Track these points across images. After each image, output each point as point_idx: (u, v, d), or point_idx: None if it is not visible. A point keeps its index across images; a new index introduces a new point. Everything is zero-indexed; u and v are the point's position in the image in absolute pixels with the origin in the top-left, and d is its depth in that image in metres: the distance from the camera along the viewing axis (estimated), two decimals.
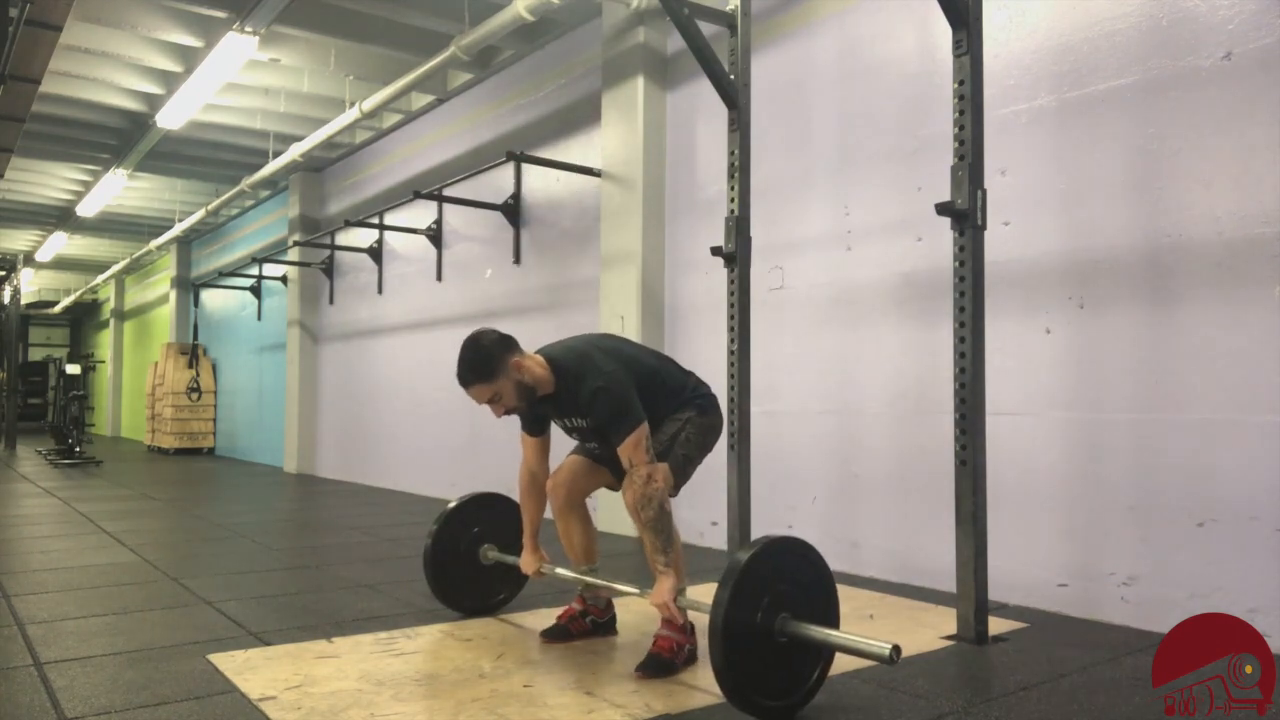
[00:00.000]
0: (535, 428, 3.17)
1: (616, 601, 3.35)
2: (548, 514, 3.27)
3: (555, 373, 2.93)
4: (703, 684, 2.73)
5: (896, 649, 2.29)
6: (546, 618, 3.41)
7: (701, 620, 2.49)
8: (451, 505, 3.62)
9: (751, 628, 2.39)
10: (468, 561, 3.58)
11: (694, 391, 3.10)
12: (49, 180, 11.53)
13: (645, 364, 3.04)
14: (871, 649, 2.32)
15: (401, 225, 8.33)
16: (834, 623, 2.57)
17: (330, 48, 7.14)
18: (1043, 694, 2.65)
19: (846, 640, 2.41)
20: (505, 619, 3.53)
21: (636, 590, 2.97)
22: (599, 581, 3.18)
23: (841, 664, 2.92)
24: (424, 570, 3.56)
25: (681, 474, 2.97)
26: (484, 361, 2.86)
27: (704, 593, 3.04)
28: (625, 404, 2.81)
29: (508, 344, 2.91)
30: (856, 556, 4.38)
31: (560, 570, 3.28)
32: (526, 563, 3.31)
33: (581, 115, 6.39)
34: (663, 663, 2.83)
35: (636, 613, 3.46)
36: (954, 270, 3.28)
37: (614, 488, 3.20)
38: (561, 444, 3.20)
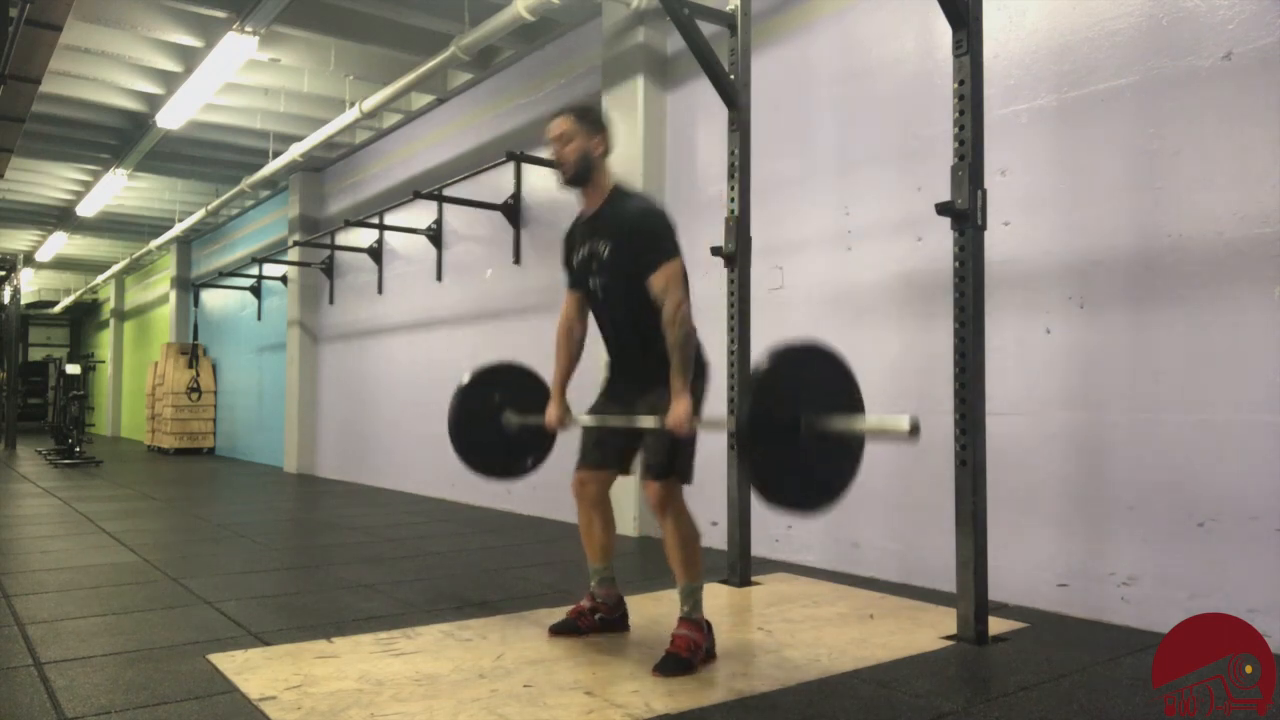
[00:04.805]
0: (576, 278, 3.20)
1: (626, 600, 3.35)
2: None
3: (612, 193, 3.06)
4: (704, 684, 2.73)
5: (915, 421, 2.38)
6: (548, 616, 3.42)
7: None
8: (469, 376, 3.53)
9: (777, 427, 2.43)
10: (492, 428, 3.48)
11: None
12: (49, 180, 11.53)
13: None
14: (889, 425, 2.43)
15: (401, 225, 8.33)
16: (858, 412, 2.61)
17: (330, 48, 7.14)
18: (1043, 694, 2.65)
19: (863, 424, 2.51)
20: (506, 618, 3.53)
21: (655, 420, 2.89)
22: (619, 418, 3.11)
23: (841, 664, 2.93)
24: (450, 439, 3.47)
25: (688, 468, 2.99)
26: (590, 114, 3.08)
27: (711, 592, 3.05)
28: (668, 233, 2.92)
29: (610, 135, 3.09)
30: (856, 556, 4.38)
31: (584, 416, 3.21)
32: (550, 414, 3.26)
33: None
34: (680, 662, 2.83)
35: (641, 614, 3.45)
36: (954, 270, 3.28)
37: (625, 473, 3.20)
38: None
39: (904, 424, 2.36)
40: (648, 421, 2.96)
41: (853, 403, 2.62)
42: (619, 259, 2.97)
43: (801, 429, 2.45)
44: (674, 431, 2.81)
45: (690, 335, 2.84)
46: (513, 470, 3.63)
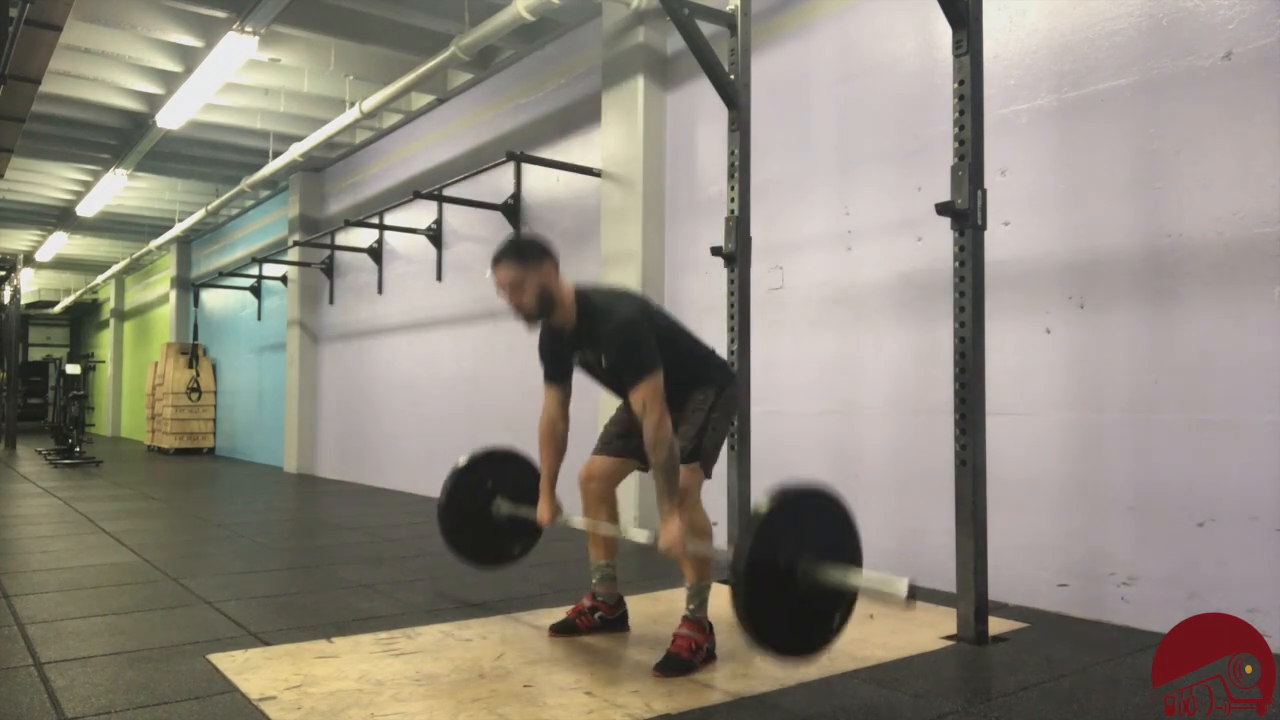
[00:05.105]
0: (556, 371, 3.17)
1: (626, 600, 3.36)
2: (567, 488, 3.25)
3: (580, 305, 2.96)
4: (704, 685, 2.73)
5: (913, 587, 2.33)
6: (548, 616, 3.42)
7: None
8: (463, 461, 3.55)
9: (775, 571, 2.39)
10: (482, 515, 3.52)
11: (713, 363, 3.12)
12: (49, 180, 11.53)
13: (672, 328, 3.07)
14: (888, 588, 2.36)
15: (401, 225, 8.33)
16: (857, 564, 2.57)
17: (330, 48, 7.14)
18: (1043, 694, 2.65)
19: (863, 581, 2.43)
20: (505, 618, 3.53)
21: (646, 534, 2.94)
22: (609, 526, 3.16)
23: (841, 664, 2.93)
24: (439, 524, 3.51)
25: (712, 460, 3.02)
26: (527, 247, 2.92)
27: (711, 592, 3.04)
28: (641, 346, 2.82)
29: (554, 253, 2.95)
30: None
31: (575, 518, 3.24)
32: (542, 511, 3.27)
33: (581, 115, 6.39)
34: (681, 662, 2.84)
35: (641, 614, 3.45)
36: (954, 270, 3.28)
37: (644, 469, 3.20)
38: (580, 396, 3.21)
39: (901, 589, 2.32)
40: (640, 535, 3.00)
41: (852, 555, 2.58)
42: (612, 365, 2.95)
43: (798, 576, 2.42)
44: (666, 552, 2.80)
45: (673, 455, 2.77)
46: (499, 559, 3.63)
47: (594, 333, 2.93)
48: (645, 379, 2.79)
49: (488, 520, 3.54)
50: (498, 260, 2.91)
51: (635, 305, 2.98)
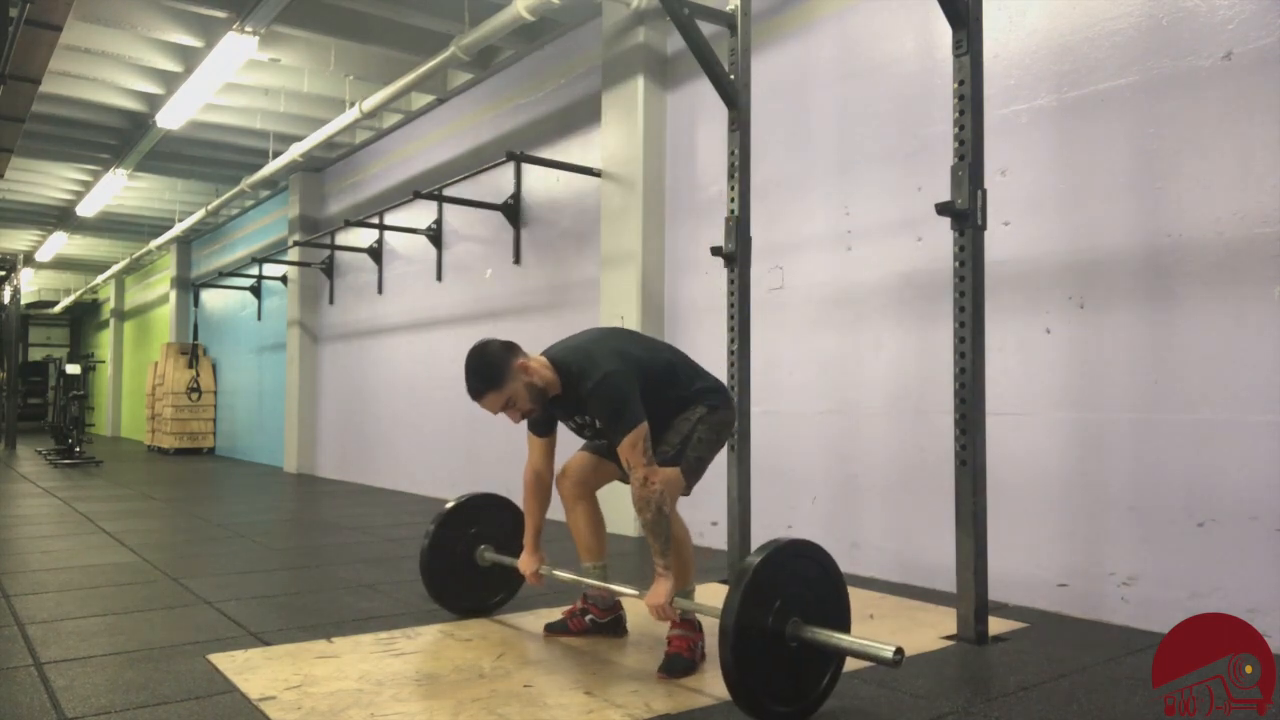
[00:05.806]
0: (542, 428, 3.14)
1: (624, 599, 3.34)
2: (550, 515, 3.26)
3: (559, 373, 2.91)
4: (703, 685, 2.73)
5: (900, 650, 2.30)
6: (548, 617, 3.42)
7: (710, 623, 2.49)
8: (449, 505, 3.60)
9: (762, 631, 2.38)
10: (465, 562, 3.55)
11: (706, 386, 3.05)
12: (49, 180, 11.53)
13: (657, 360, 2.99)
14: (875, 651, 2.33)
15: (401, 225, 8.34)
16: (845, 625, 2.56)
17: (330, 48, 7.14)
18: (1043, 694, 2.65)
19: (850, 643, 2.40)
20: (505, 619, 3.53)
21: (634, 592, 2.96)
22: (594, 582, 3.16)
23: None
24: (420, 571, 3.54)
25: (694, 474, 2.95)
26: (491, 368, 2.85)
27: (707, 593, 3.05)
28: (622, 404, 2.78)
29: (510, 348, 2.91)
30: (856, 556, 4.38)
31: (559, 572, 3.26)
32: (525, 563, 3.27)
33: (581, 115, 6.39)
34: (683, 662, 2.83)
35: (640, 614, 3.45)
36: (954, 270, 3.28)
37: (625, 480, 3.19)
38: (566, 445, 3.20)
39: (888, 653, 2.30)
40: (628, 590, 2.99)
41: (840, 615, 2.57)
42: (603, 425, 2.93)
43: (786, 636, 2.40)
44: (654, 613, 2.79)
45: (659, 515, 2.73)
46: (481, 608, 3.61)
47: (580, 398, 2.89)
48: (628, 434, 2.75)
49: (470, 568, 3.55)
50: (478, 395, 2.86)
51: (611, 355, 2.88)
